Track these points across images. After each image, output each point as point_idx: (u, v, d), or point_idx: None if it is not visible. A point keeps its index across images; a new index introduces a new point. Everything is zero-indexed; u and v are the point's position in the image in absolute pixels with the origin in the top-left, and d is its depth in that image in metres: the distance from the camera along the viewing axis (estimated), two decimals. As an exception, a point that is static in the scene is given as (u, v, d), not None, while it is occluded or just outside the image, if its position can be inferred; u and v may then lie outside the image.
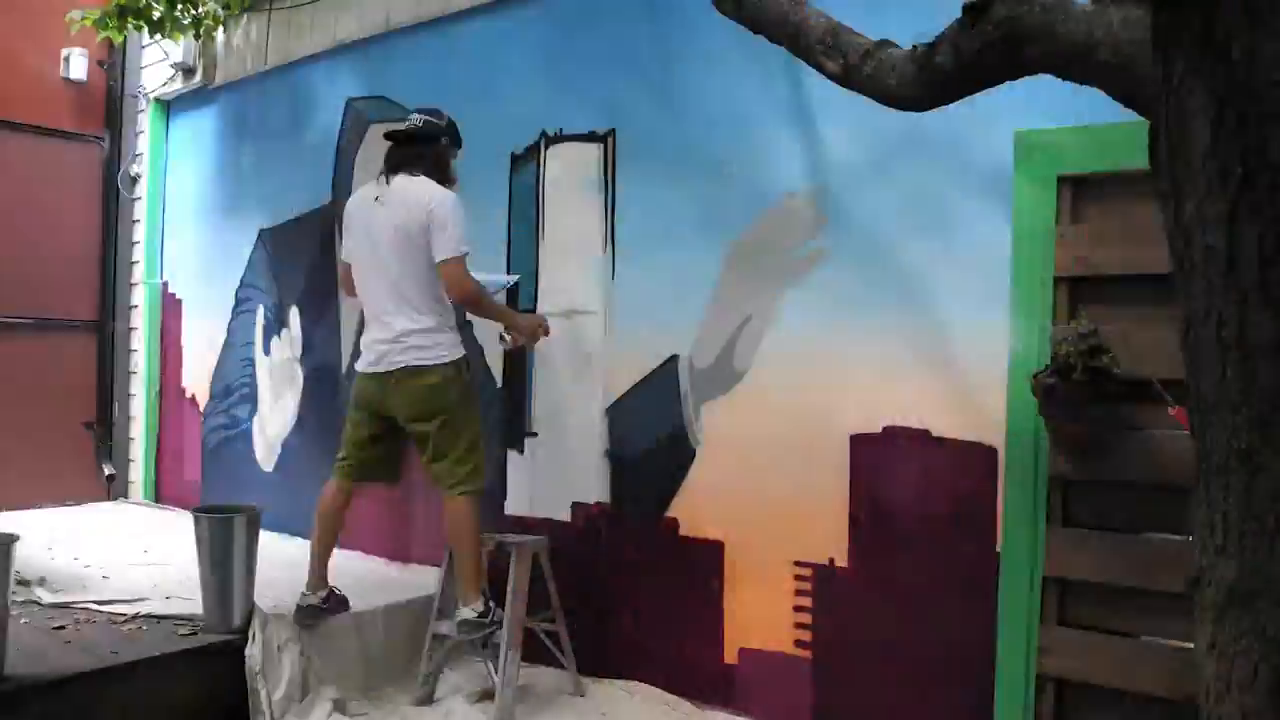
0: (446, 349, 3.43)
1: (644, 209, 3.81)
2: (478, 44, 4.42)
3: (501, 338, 3.78)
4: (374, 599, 3.88)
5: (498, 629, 3.43)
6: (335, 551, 3.70)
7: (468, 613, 3.45)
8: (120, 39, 5.30)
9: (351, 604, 3.73)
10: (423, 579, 4.25)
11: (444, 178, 3.46)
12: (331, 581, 3.65)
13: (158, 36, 5.32)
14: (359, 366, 3.55)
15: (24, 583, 3.99)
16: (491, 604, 3.48)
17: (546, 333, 3.73)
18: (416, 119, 3.50)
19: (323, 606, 3.59)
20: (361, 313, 3.69)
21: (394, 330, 3.39)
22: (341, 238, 3.71)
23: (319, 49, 5.18)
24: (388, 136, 3.52)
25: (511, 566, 3.49)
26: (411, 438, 3.52)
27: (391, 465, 3.69)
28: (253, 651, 3.42)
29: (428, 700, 3.56)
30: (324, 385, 5.15)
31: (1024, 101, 2.70)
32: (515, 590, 3.45)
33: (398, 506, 4.70)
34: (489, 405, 4.31)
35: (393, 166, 3.44)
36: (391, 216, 3.37)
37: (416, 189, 3.36)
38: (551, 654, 3.71)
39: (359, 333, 3.79)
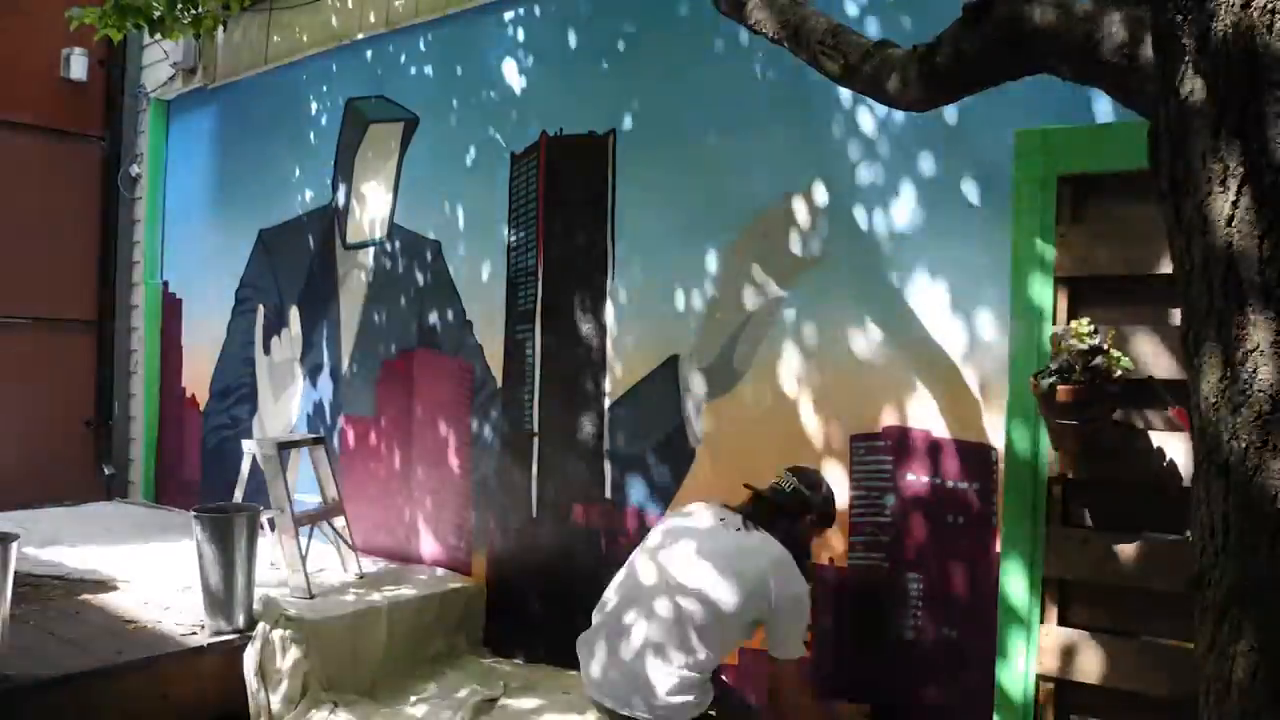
0: (696, 703, 2.60)
1: (644, 208, 3.81)
2: (478, 43, 4.43)
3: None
4: (374, 599, 3.88)
5: None
6: (335, 552, 3.70)
7: None
8: (119, 38, 5.28)
9: (351, 604, 3.75)
10: (424, 579, 4.25)
11: (795, 547, 2.74)
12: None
13: (157, 36, 5.31)
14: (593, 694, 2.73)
15: (34, 578, 4.00)
16: None
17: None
18: (788, 485, 2.81)
19: None
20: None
21: (649, 668, 2.58)
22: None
23: (319, 49, 5.18)
24: (747, 486, 2.86)
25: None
26: None
27: None
28: (252, 652, 3.42)
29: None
30: (324, 386, 5.15)
31: (1024, 101, 2.70)
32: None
33: (399, 507, 4.70)
34: (489, 406, 4.32)
35: (753, 519, 2.74)
36: (729, 553, 2.65)
37: (770, 553, 2.64)
38: (556, 652, 3.71)
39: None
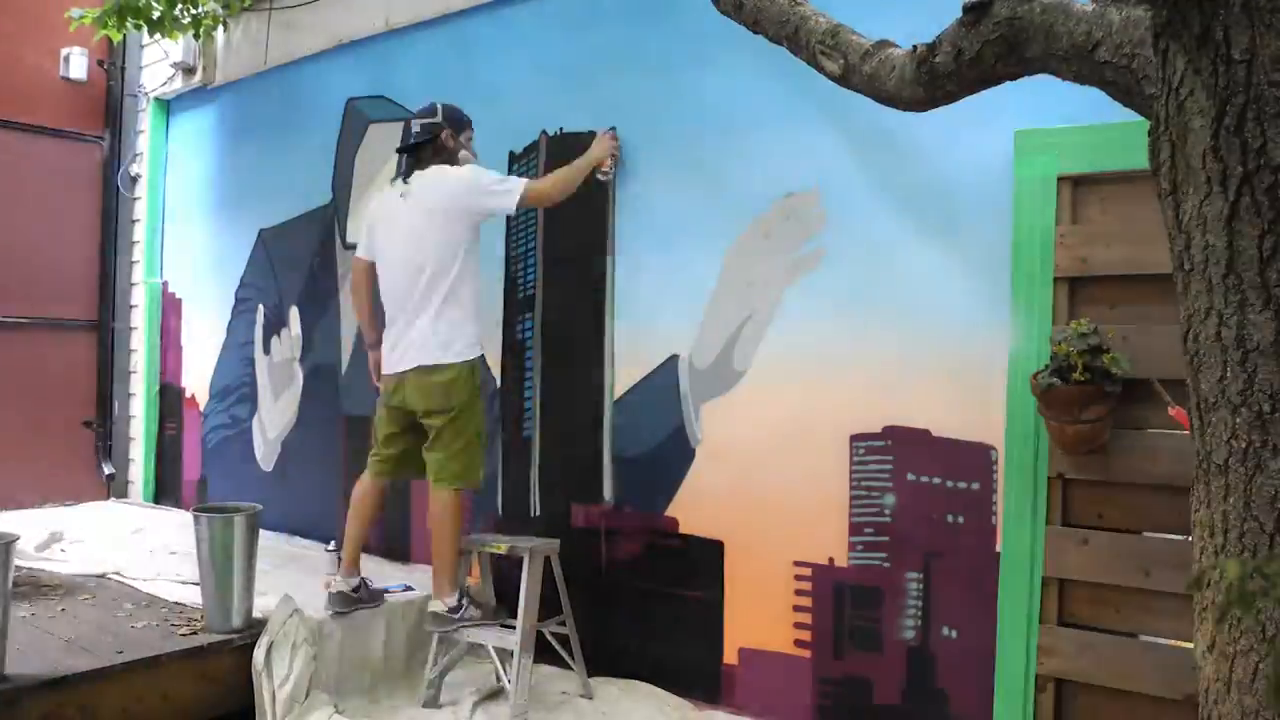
0: (464, 346, 3.49)
1: (644, 208, 3.81)
2: (478, 43, 4.42)
3: (598, 178, 3.80)
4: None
5: (468, 625, 3.50)
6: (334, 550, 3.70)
7: (439, 605, 3.53)
8: (119, 38, 5.29)
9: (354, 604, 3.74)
10: (425, 579, 4.25)
11: (453, 161, 3.57)
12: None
13: (157, 36, 5.32)
14: (385, 368, 3.61)
15: (35, 578, 4.00)
16: (465, 600, 3.53)
17: (615, 142, 3.79)
18: (415, 126, 3.62)
19: (354, 594, 3.67)
20: (375, 314, 3.78)
21: (416, 326, 3.47)
22: (358, 239, 3.83)
23: (319, 49, 5.18)
24: (398, 151, 3.66)
25: (524, 570, 3.48)
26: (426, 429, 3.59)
27: (419, 460, 3.65)
28: (258, 651, 3.42)
29: (434, 702, 3.56)
30: (324, 385, 5.15)
31: (1024, 101, 2.70)
32: (528, 594, 3.45)
33: (400, 506, 4.70)
34: (489, 406, 4.32)
35: (407, 170, 3.59)
36: (420, 203, 3.47)
37: (436, 175, 3.50)
38: (554, 652, 3.71)
39: (370, 335, 3.88)
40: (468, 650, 3.72)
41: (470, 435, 3.52)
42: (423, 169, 3.52)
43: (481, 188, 3.46)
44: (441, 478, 3.50)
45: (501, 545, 3.62)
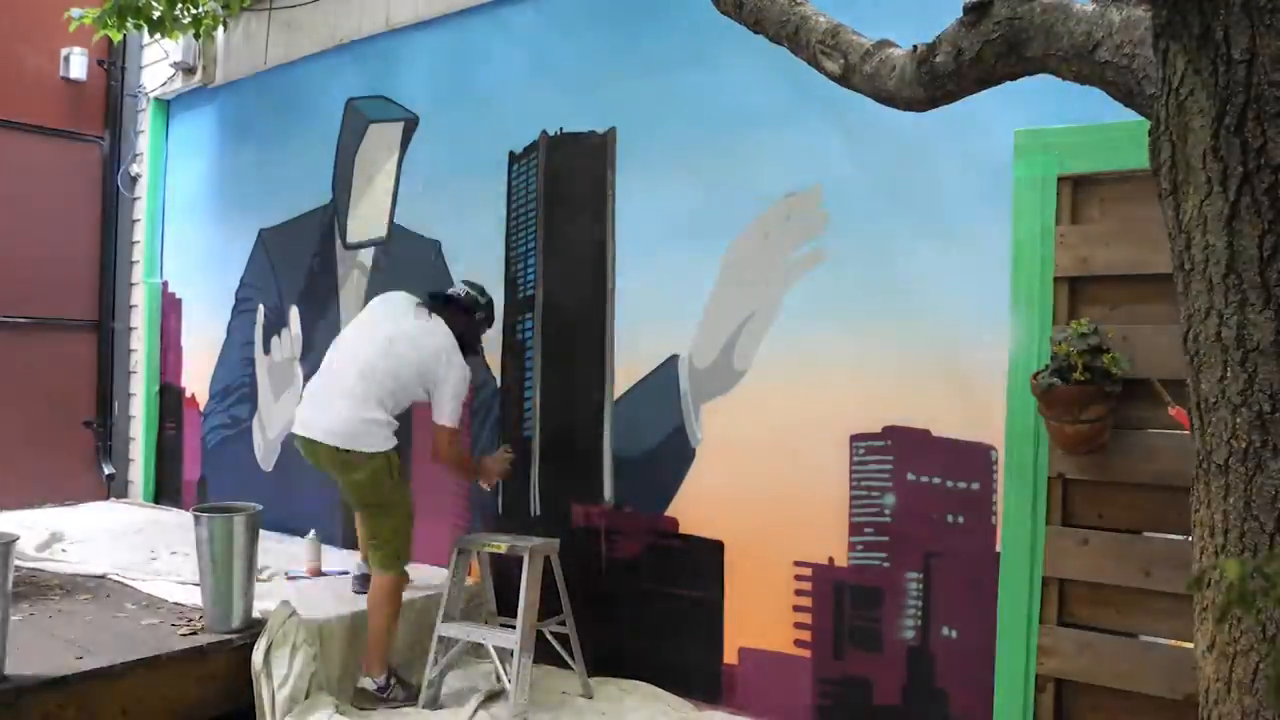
0: (382, 441, 3.48)
1: (644, 208, 3.81)
2: (478, 43, 4.43)
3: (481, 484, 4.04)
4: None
5: (396, 704, 3.53)
6: (338, 550, 3.69)
7: (367, 683, 3.59)
8: (119, 38, 5.29)
9: (351, 604, 3.74)
10: (426, 580, 4.25)
11: (466, 344, 3.65)
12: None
13: (157, 36, 5.31)
14: (296, 429, 3.59)
15: (35, 578, 4.00)
16: (392, 680, 3.57)
17: (512, 462, 3.94)
18: (461, 289, 3.79)
19: (381, 693, 3.59)
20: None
21: (336, 406, 3.48)
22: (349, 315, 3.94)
23: (319, 49, 5.18)
24: (433, 295, 3.72)
25: (524, 569, 3.48)
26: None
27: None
28: (257, 652, 3.42)
29: (434, 703, 3.56)
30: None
31: (1024, 101, 2.70)
32: (527, 593, 3.45)
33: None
34: (489, 406, 4.32)
35: (436, 309, 3.64)
36: (413, 334, 3.55)
37: (444, 339, 3.56)
38: (555, 652, 3.71)
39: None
40: (468, 650, 3.72)
41: (392, 525, 3.56)
42: (449, 323, 3.59)
43: (444, 373, 3.51)
44: (378, 564, 3.56)
45: (501, 545, 3.62)
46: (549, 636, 3.69)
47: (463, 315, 3.67)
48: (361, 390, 3.46)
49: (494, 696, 3.56)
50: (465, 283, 3.83)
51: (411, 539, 3.67)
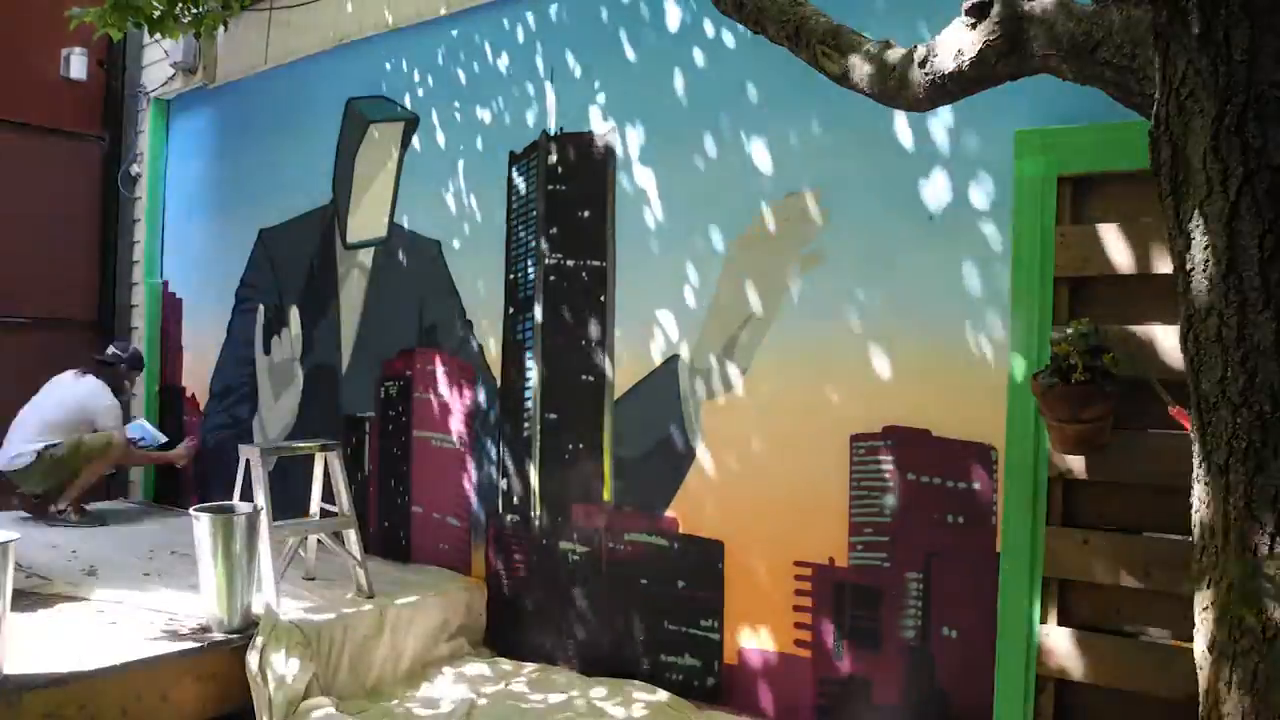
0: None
1: (644, 208, 3.81)
2: (478, 43, 4.42)
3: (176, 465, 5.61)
4: (374, 599, 3.88)
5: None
6: (333, 549, 3.67)
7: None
8: (119, 36, 5.28)
9: (351, 604, 3.74)
10: (424, 579, 4.25)
11: (116, 387, 5.54)
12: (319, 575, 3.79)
13: (157, 35, 5.30)
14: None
15: (35, 578, 4.00)
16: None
17: (194, 457, 5.75)
18: (110, 352, 5.61)
19: None
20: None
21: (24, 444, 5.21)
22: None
23: (319, 49, 5.18)
24: (98, 359, 5.55)
25: (327, 465, 4.12)
26: None
27: None
28: (252, 653, 3.42)
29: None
30: (324, 385, 5.15)
31: (1024, 101, 2.70)
32: (339, 482, 4.07)
33: (399, 507, 4.70)
34: (488, 404, 4.32)
35: (89, 368, 5.45)
36: (72, 388, 5.37)
37: (92, 385, 5.39)
38: (554, 654, 3.72)
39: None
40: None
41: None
42: (95, 376, 5.39)
43: (108, 412, 5.36)
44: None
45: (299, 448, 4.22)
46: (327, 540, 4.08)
47: (109, 369, 5.45)
48: (37, 435, 5.24)
49: (491, 696, 3.57)
50: (112, 343, 5.71)
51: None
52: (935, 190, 3.08)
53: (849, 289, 3.25)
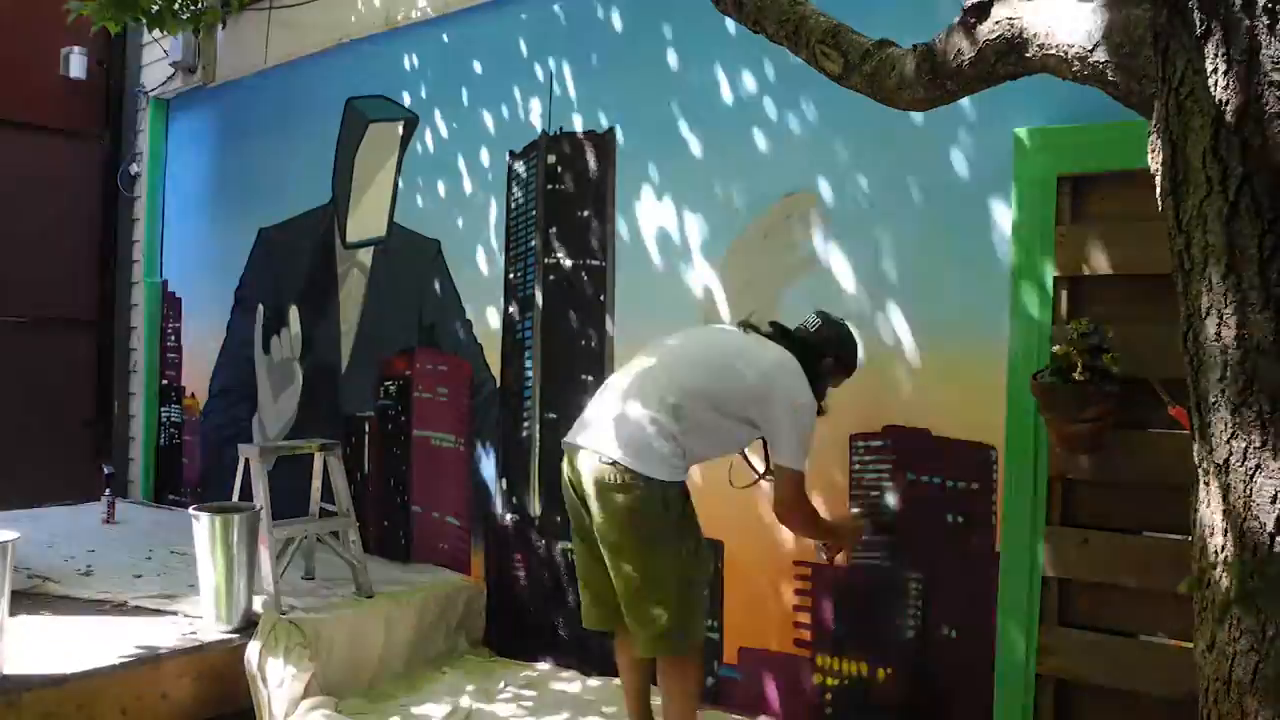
0: (665, 469, 2.65)
1: (644, 207, 3.80)
2: (478, 43, 4.42)
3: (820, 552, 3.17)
4: (373, 599, 3.88)
5: None
6: (332, 549, 3.68)
7: None
8: (117, 30, 5.27)
9: (351, 604, 3.74)
10: (423, 578, 4.25)
11: (800, 360, 2.75)
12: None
13: (156, 32, 5.30)
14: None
15: (34, 578, 4.01)
16: None
17: (861, 535, 3.11)
18: (813, 320, 2.87)
19: None
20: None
21: (621, 409, 2.68)
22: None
23: (319, 49, 5.18)
24: (772, 324, 2.90)
25: (326, 465, 4.09)
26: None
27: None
28: (252, 653, 3.42)
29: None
30: (324, 385, 5.15)
31: (1024, 101, 2.70)
32: (338, 480, 4.06)
33: (398, 506, 4.70)
34: (488, 404, 4.32)
35: (771, 335, 2.84)
36: (737, 350, 2.76)
37: (780, 354, 2.73)
38: (554, 654, 3.71)
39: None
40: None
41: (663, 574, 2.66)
42: (768, 337, 2.82)
43: (803, 426, 2.68)
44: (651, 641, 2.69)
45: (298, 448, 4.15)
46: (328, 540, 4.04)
47: (808, 355, 2.79)
48: (658, 399, 2.69)
49: (490, 697, 3.56)
50: (817, 312, 2.92)
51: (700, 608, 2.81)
52: (935, 190, 3.07)
53: (849, 289, 3.25)
